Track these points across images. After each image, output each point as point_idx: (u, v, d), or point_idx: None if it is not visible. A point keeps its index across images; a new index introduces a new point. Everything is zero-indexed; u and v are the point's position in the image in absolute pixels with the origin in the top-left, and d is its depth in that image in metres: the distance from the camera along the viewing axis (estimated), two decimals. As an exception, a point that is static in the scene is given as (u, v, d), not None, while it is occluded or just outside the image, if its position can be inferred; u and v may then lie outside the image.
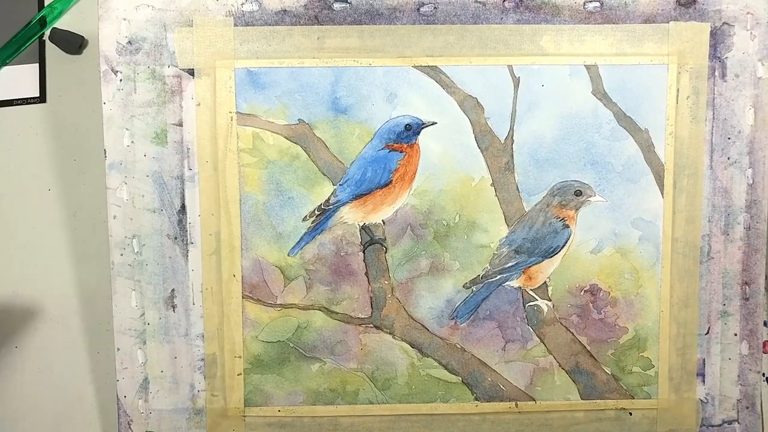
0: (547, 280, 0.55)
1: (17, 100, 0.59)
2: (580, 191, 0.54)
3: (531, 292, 0.55)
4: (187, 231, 0.54)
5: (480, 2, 0.53)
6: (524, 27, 0.53)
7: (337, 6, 0.53)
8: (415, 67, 0.54)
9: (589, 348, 0.56)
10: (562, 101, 0.54)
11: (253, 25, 0.53)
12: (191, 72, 0.53)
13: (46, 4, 0.59)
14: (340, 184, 0.54)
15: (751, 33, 0.54)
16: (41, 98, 0.59)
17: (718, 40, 0.54)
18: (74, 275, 0.59)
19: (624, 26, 0.53)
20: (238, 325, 0.55)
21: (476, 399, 0.56)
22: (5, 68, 0.59)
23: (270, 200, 0.54)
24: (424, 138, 0.54)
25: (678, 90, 0.54)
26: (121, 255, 0.54)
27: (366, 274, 0.55)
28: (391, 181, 0.54)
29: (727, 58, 0.54)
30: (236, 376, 0.55)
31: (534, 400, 0.56)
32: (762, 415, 0.56)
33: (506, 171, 0.54)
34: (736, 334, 0.55)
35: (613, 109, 0.54)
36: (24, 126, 0.59)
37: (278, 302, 0.55)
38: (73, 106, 0.59)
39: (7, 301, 0.59)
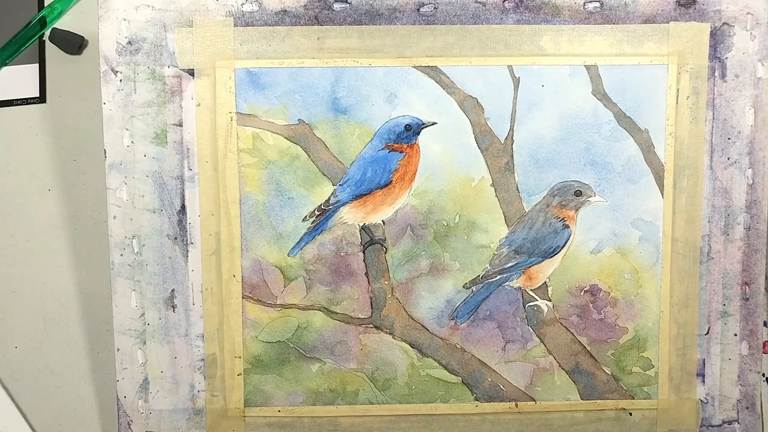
0: (547, 280, 0.55)
1: (17, 100, 0.59)
2: (580, 191, 0.54)
3: (531, 293, 0.55)
4: (187, 231, 0.54)
5: (480, 2, 0.53)
6: (524, 27, 0.53)
7: (337, 6, 0.53)
8: (415, 67, 0.54)
9: (589, 348, 0.56)
10: (562, 101, 0.54)
11: (253, 26, 0.53)
12: (191, 72, 0.53)
13: (46, 4, 0.59)
14: (340, 185, 0.54)
15: (751, 33, 0.54)
16: (41, 98, 0.59)
17: (718, 40, 0.54)
18: (74, 275, 0.59)
19: (624, 26, 0.53)
20: (238, 326, 0.55)
21: (476, 399, 0.56)
22: (5, 68, 0.59)
23: (270, 200, 0.54)
24: (424, 138, 0.54)
25: (678, 90, 0.54)
26: (121, 255, 0.54)
27: (366, 274, 0.55)
28: (391, 182, 0.54)
29: (726, 58, 0.54)
30: (236, 376, 0.55)
31: (534, 401, 0.56)
32: (762, 415, 0.56)
33: (506, 171, 0.54)
34: (736, 335, 0.55)
35: (613, 110, 0.54)
36: (24, 126, 0.59)
37: (278, 302, 0.55)
38: (73, 106, 0.59)
39: (7, 301, 0.59)
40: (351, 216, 0.54)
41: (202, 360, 0.55)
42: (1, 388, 0.57)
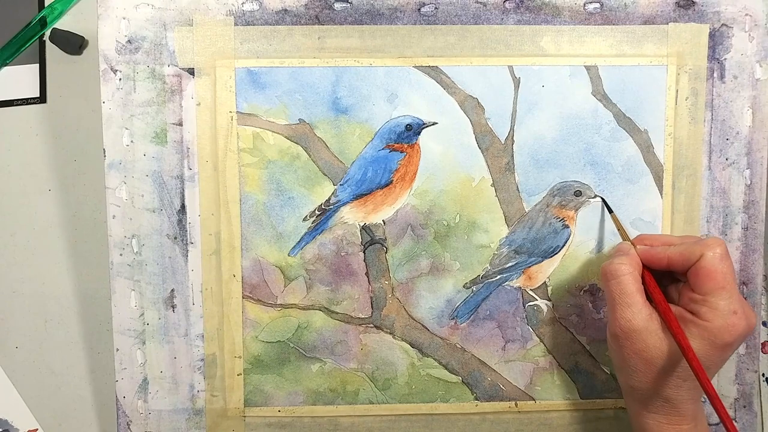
0: (547, 280, 0.55)
1: (17, 100, 0.59)
2: (580, 191, 0.54)
3: (531, 292, 0.55)
4: (186, 231, 0.54)
5: (481, 3, 0.53)
6: (525, 28, 0.53)
7: (337, 6, 0.53)
8: (415, 67, 0.54)
9: (588, 348, 0.56)
10: (562, 102, 0.54)
11: (254, 25, 0.53)
12: (191, 71, 0.53)
13: (46, 4, 0.59)
14: (340, 184, 0.54)
15: (750, 35, 0.54)
16: (41, 98, 0.59)
17: (716, 41, 0.54)
18: (74, 275, 0.58)
19: (624, 27, 0.54)
20: (238, 326, 0.55)
21: (476, 399, 0.56)
22: (5, 68, 0.59)
23: (270, 200, 0.54)
24: (424, 138, 0.54)
25: (677, 91, 0.54)
26: (121, 255, 0.54)
27: (366, 274, 0.55)
28: (391, 181, 0.54)
29: (725, 59, 0.54)
30: (236, 376, 0.55)
31: (533, 400, 0.56)
32: (761, 414, 0.56)
33: (506, 171, 0.54)
34: (734, 334, 0.56)
35: (612, 110, 0.54)
36: (24, 126, 0.59)
37: (278, 302, 0.55)
38: (73, 107, 0.59)
39: (7, 301, 0.59)
40: (351, 216, 0.54)
41: (202, 360, 0.55)
42: (8, 381, 0.57)
